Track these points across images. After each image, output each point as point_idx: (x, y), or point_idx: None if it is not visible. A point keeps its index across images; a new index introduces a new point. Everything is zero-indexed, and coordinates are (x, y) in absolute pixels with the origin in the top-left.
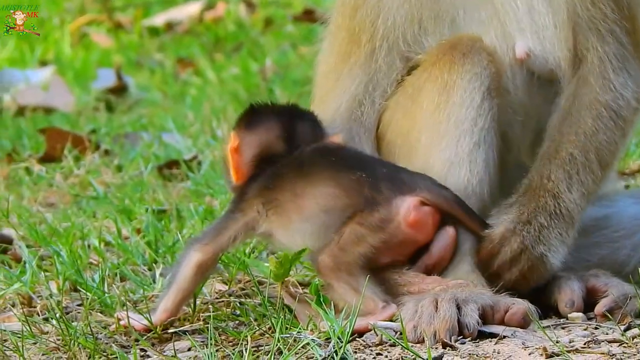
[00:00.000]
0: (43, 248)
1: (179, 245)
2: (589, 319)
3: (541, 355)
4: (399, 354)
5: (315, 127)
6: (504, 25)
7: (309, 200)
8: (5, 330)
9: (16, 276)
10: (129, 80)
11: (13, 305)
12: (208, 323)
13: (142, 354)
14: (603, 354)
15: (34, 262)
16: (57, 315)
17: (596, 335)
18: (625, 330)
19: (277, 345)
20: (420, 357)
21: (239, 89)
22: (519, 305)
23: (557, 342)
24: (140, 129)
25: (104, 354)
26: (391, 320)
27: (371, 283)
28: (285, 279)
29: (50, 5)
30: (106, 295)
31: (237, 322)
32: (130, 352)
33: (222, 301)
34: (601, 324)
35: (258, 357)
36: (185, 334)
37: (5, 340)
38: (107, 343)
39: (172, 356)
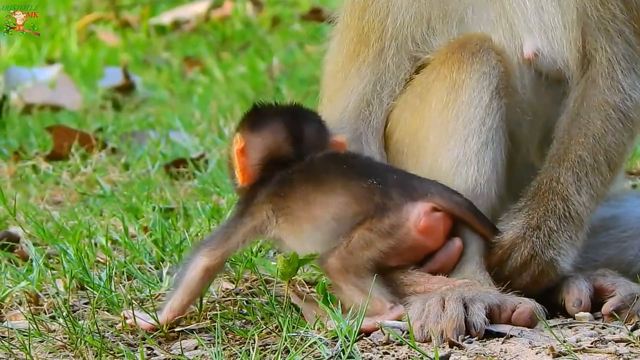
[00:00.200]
0: (50, 246)
1: (186, 243)
2: (596, 318)
3: (548, 354)
4: (406, 353)
5: (320, 128)
6: (513, 25)
7: (321, 209)
8: (12, 329)
9: (23, 274)
10: (136, 79)
11: (20, 304)
12: (215, 322)
13: (149, 352)
14: (610, 353)
15: (40, 261)
16: (64, 313)
17: (603, 335)
18: (633, 330)
19: (284, 344)
20: (427, 356)
21: (246, 88)
22: (526, 305)
23: (564, 341)
24: (147, 128)
25: (111, 352)
26: (398, 320)
27: (378, 284)
28: (292, 278)
29: (58, 3)
30: (113, 293)
31: (244, 320)
32: (137, 350)
33: (229, 300)
34: (608, 324)
35: (265, 355)
36: (192, 333)
37: (12, 339)
38: (113, 341)
39: (179, 355)
